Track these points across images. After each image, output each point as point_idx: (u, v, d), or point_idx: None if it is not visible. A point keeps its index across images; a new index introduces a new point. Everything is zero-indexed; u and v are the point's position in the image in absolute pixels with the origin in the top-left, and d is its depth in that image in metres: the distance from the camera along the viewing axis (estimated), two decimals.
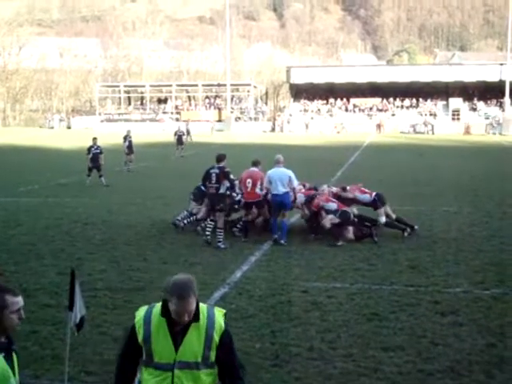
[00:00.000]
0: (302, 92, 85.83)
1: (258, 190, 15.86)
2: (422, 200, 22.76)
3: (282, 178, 15.36)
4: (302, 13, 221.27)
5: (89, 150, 28.17)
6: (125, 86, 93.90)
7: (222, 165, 15.53)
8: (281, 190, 15.34)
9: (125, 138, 34.27)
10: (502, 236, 16.42)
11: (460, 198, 23.20)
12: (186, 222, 16.89)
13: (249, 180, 15.88)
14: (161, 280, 12.08)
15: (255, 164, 16.33)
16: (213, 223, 15.56)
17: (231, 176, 15.82)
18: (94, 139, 28.86)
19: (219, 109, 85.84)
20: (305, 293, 11.30)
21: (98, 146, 28.43)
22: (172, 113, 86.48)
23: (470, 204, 21.89)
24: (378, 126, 76.56)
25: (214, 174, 15.50)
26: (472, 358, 8.43)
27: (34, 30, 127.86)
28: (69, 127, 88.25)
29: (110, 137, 64.21)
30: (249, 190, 15.88)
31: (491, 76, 79.61)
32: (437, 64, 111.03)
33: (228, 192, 15.64)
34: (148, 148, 48.46)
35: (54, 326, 9.47)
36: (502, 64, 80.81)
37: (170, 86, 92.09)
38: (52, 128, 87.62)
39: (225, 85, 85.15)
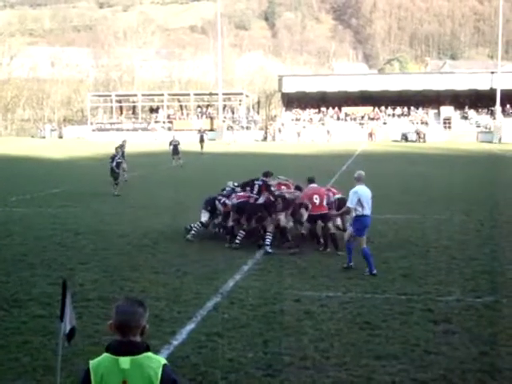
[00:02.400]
0: (293, 101, 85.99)
1: (325, 204, 16.10)
2: (413, 208, 22.79)
3: (369, 198, 13.64)
4: (294, 22, 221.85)
5: (112, 158, 27.94)
6: (116, 96, 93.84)
7: (266, 179, 17.04)
8: (368, 211, 13.63)
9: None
10: (494, 244, 16.46)
11: (452, 206, 23.24)
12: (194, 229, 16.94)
13: (316, 196, 16.02)
14: (153, 289, 12.06)
15: (313, 181, 16.64)
16: (244, 232, 16.15)
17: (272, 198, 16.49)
18: (117, 148, 28.77)
19: (211, 118, 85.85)
20: (297, 302, 11.29)
21: (120, 156, 28.31)
22: (164, 122, 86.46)
23: (462, 212, 21.93)
24: (370, 135, 76.79)
25: (257, 185, 16.91)
26: (465, 366, 8.44)
27: (26, 40, 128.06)
28: (60, 137, 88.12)
29: (102, 146, 64.20)
30: (317, 204, 15.93)
31: (482, 84, 79.91)
32: (428, 72, 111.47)
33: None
34: (140, 157, 48.39)
35: (45, 336, 9.43)
36: (492, 72, 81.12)
37: (162, 95, 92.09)
38: (44, 138, 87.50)
39: (217, 94, 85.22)
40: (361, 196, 13.43)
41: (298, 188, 17.85)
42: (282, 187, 17.68)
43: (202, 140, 58.60)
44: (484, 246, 16.12)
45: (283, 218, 16.23)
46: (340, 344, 9.20)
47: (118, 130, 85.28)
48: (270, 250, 15.50)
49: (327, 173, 35.63)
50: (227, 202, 16.97)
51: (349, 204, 13.61)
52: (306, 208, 16.19)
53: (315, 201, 15.97)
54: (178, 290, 12.04)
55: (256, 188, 16.88)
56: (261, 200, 16.40)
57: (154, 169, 40.73)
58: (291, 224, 16.85)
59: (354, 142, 72.25)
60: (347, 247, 13.85)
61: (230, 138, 73.96)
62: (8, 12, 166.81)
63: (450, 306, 11.08)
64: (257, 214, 16.10)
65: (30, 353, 8.85)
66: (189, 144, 54.50)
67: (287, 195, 16.80)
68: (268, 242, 15.68)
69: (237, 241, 16.03)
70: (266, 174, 17.56)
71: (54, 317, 9.37)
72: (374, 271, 13.21)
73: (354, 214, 13.72)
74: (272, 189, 16.86)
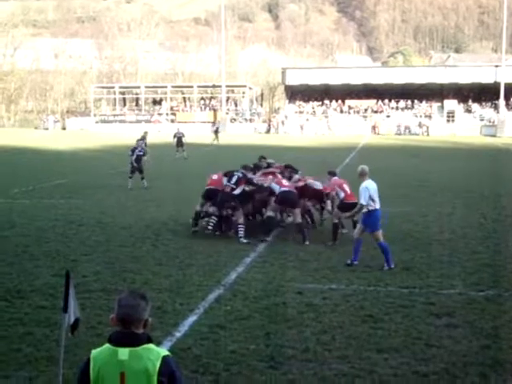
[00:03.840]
0: (297, 93, 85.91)
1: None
2: (416, 201, 22.79)
3: (376, 191, 13.65)
4: (298, 14, 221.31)
5: (132, 151, 27.78)
6: (120, 87, 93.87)
7: (246, 172, 17.02)
8: (379, 204, 13.59)
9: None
10: (496, 237, 16.46)
11: (454, 200, 23.23)
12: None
13: (345, 185, 16.19)
14: (156, 281, 12.08)
15: (335, 174, 16.99)
16: (216, 218, 16.38)
17: (247, 188, 16.61)
18: (138, 140, 28.65)
19: (214, 110, 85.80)
20: (300, 294, 11.29)
21: (142, 148, 28.15)
22: (167, 114, 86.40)
23: (465, 205, 21.93)
24: (373, 128, 76.70)
25: (236, 176, 16.71)
26: (467, 359, 8.43)
27: (29, 31, 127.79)
28: (63, 128, 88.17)
29: (105, 138, 64.24)
30: (349, 193, 15.94)
31: (486, 78, 79.75)
32: (432, 66, 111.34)
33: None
34: None
35: (48, 327, 9.44)
36: (496, 66, 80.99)
37: (165, 87, 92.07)
38: (47, 129, 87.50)
39: (220, 86, 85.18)
40: (370, 191, 13.38)
41: (288, 167, 18.04)
42: (269, 176, 17.35)
43: (217, 131, 59.19)
44: (486, 240, 16.12)
45: (298, 212, 16.18)
46: (342, 337, 9.21)
47: (121, 121, 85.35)
48: (244, 241, 15.69)
49: (330, 166, 35.64)
50: None
51: (362, 201, 13.40)
52: (332, 197, 16.42)
53: (347, 189, 16.02)
54: (180, 282, 12.06)
55: (234, 179, 16.70)
56: (237, 191, 16.41)
57: (158, 161, 40.73)
58: (274, 215, 16.89)
59: (357, 135, 72.27)
60: (357, 244, 13.66)
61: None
62: (11, 3, 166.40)
63: (452, 299, 11.08)
64: (229, 202, 16.21)
65: (33, 344, 8.87)
66: (193, 136, 54.47)
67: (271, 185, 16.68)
68: (241, 233, 15.87)
69: (209, 227, 16.34)
70: (254, 166, 17.82)
71: (57, 308, 9.39)
72: (392, 265, 13.12)
73: (365, 210, 13.55)
74: (254, 181, 16.89)
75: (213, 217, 16.43)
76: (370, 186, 13.46)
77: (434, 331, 9.46)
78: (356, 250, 13.59)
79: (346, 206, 15.54)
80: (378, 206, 13.48)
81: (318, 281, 12.25)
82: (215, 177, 17.42)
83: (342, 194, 15.95)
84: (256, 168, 18.43)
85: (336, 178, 16.69)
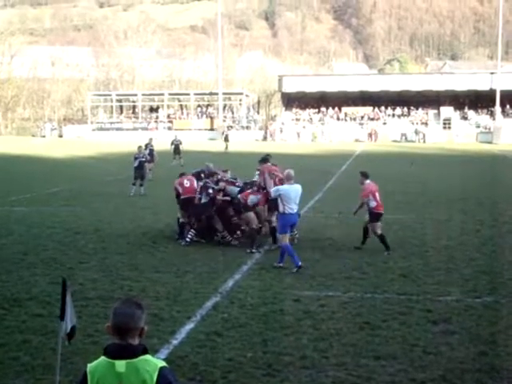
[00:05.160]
0: (293, 101, 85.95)
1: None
2: (413, 208, 22.82)
3: (297, 196, 14.18)
4: (294, 22, 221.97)
5: (135, 158, 27.79)
6: (117, 95, 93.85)
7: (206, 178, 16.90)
8: (295, 208, 14.12)
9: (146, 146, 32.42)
10: (493, 244, 16.49)
11: (451, 206, 23.26)
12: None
13: (377, 193, 15.67)
14: (153, 289, 12.08)
15: (368, 176, 16.08)
16: (194, 231, 16.43)
17: (210, 190, 16.37)
18: (139, 147, 28.64)
19: (211, 118, 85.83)
20: (297, 301, 11.30)
21: (144, 155, 28.17)
22: (164, 122, 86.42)
23: (461, 212, 21.96)
24: (370, 135, 76.80)
25: (199, 186, 16.80)
26: (464, 366, 8.45)
27: (26, 39, 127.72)
28: (60, 136, 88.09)
29: (102, 145, 64.23)
30: (380, 203, 15.62)
31: (482, 85, 79.86)
32: (428, 73, 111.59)
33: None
34: None
35: (45, 335, 9.44)
36: (492, 73, 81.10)
37: (162, 94, 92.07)
38: (44, 137, 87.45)
39: (217, 94, 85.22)
40: (287, 194, 13.90)
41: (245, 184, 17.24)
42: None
43: (226, 139, 59.13)
44: (483, 246, 16.14)
45: (274, 219, 15.80)
46: (339, 344, 9.21)
47: (118, 129, 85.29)
48: (234, 243, 16.14)
49: (326, 173, 35.70)
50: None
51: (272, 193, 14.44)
52: (363, 204, 15.77)
53: (378, 198, 15.61)
54: (177, 290, 12.05)
55: (198, 189, 16.73)
56: (204, 200, 16.34)
57: (155, 168, 40.71)
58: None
59: (354, 143, 72.43)
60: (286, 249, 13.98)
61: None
62: (9, 11, 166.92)
63: (449, 306, 11.10)
64: (204, 214, 16.35)
65: (30, 352, 8.86)
66: (190, 143, 54.44)
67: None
68: (228, 239, 16.19)
69: (187, 239, 16.30)
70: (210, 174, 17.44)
71: (54, 316, 9.39)
72: (300, 263, 13.57)
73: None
74: (211, 186, 16.57)
75: (191, 230, 16.42)
76: (287, 190, 13.98)
77: (432, 338, 9.47)
78: (289, 254, 13.81)
79: (374, 216, 15.45)
80: (293, 210, 14.02)
81: (315, 288, 12.25)
82: (187, 184, 17.23)
83: (374, 204, 15.47)
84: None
85: (369, 181, 15.93)
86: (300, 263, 13.56)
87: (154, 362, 3.98)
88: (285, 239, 13.93)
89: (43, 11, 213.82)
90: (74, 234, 17.92)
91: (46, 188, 28.99)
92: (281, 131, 79.67)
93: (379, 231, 15.48)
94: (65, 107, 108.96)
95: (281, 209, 14.01)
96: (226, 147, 57.61)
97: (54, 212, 22.00)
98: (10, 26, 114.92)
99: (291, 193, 13.98)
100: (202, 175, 17.67)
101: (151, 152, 32.38)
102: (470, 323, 10.15)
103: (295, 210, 14.14)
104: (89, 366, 4.03)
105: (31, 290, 11.97)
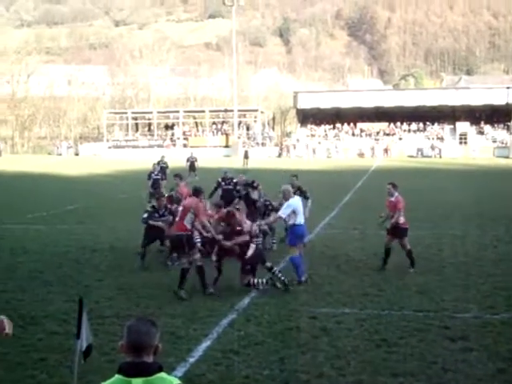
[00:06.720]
0: (308, 117, 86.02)
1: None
2: (429, 223, 22.69)
3: (302, 208, 14.53)
4: (308, 38, 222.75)
5: (149, 175, 27.83)
6: (132, 113, 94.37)
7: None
8: (303, 219, 14.33)
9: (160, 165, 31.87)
10: (510, 260, 16.35)
11: (468, 222, 23.13)
12: None
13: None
14: (169, 307, 12.06)
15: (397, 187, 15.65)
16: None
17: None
18: (154, 165, 28.71)
19: (226, 134, 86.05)
20: (313, 319, 11.24)
21: (159, 172, 28.20)
22: (179, 139, 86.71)
23: (478, 227, 21.82)
24: (385, 151, 76.65)
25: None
26: (483, 383, 8.35)
27: (43, 58, 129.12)
28: (77, 154, 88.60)
29: (118, 163, 64.49)
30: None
31: (498, 99, 79.63)
32: (443, 88, 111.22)
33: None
34: None
35: (61, 353, 9.43)
36: (508, 87, 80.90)
37: (178, 112, 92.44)
38: (60, 155, 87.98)
39: (232, 110, 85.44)
40: (297, 207, 14.09)
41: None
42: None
43: (246, 156, 59.25)
44: (500, 262, 16.02)
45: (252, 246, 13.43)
46: (356, 361, 9.15)
47: (133, 147, 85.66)
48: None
49: (343, 189, 35.62)
50: None
51: (281, 214, 14.08)
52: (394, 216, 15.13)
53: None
54: (193, 307, 12.03)
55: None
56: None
57: (169, 184, 40.80)
58: None
59: (370, 158, 72.38)
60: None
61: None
62: (25, 31, 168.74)
63: (467, 322, 11.00)
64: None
65: (46, 370, 8.86)
66: (205, 160, 54.55)
67: None
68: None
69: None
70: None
71: (70, 334, 9.39)
72: (303, 279, 13.83)
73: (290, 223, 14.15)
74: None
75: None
76: (297, 203, 14.14)
77: (450, 355, 9.38)
78: (296, 265, 13.92)
79: (404, 231, 15.18)
80: (300, 222, 14.12)
81: (332, 305, 12.19)
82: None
83: (403, 220, 15.18)
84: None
85: (398, 194, 15.42)
86: (303, 279, 13.68)
87: (169, 380, 3.98)
88: (294, 251, 14.00)
89: (59, 30, 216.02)
90: (90, 251, 17.98)
91: (62, 206, 29.12)
92: (294, 148, 79.70)
93: (409, 246, 15.25)
94: (81, 125, 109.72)
95: (291, 221, 14.07)
96: (246, 164, 57.63)
97: (69, 230, 22.10)
98: (26, 46, 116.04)
99: (299, 205, 14.27)
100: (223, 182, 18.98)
101: (163, 169, 32.44)
102: (489, 340, 10.05)
103: (303, 222, 14.30)
104: None
105: (47, 308, 11.99)
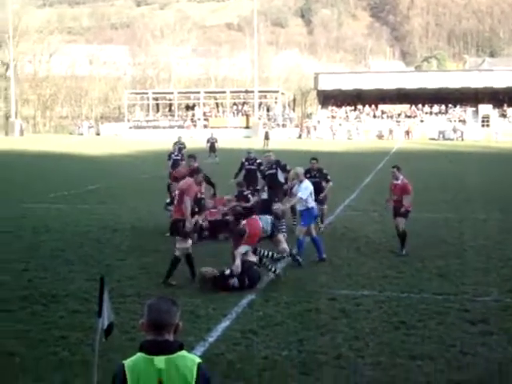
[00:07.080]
0: (329, 98, 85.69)
1: None
2: (450, 207, 22.60)
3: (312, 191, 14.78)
4: (330, 19, 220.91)
5: (169, 156, 27.82)
6: (153, 93, 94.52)
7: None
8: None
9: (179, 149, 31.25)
10: None
11: (489, 205, 22.98)
12: None
13: None
14: (189, 286, 12.13)
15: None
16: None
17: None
18: (174, 145, 28.57)
19: (247, 115, 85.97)
20: (332, 300, 11.26)
21: (179, 153, 28.15)
22: (199, 119, 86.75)
23: (500, 211, 21.68)
24: (407, 133, 76.21)
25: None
26: (502, 367, 8.33)
27: (64, 38, 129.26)
28: (98, 134, 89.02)
29: (139, 143, 64.68)
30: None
31: None
32: (466, 70, 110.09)
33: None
34: None
35: (83, 331, 9.53)
36: None
37: (198, 92, 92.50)
38: (81, 135, 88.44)
39: (252, 91, 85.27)
40: (311, 189, 14.56)
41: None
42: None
43: (266, 137, 59.23)
44: None
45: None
46: (375, 343, 9.16)
47: (154, 127, 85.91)
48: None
49: (364, 171, 35.53)
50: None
51: (302, 195, 14.34)
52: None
53: None
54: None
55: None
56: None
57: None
58: None
59: (389, 140, 72.08)
60: (316, 242, 14.50)
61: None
62: (47, 10, 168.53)
63: (487, 306, 10.96)
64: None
65: (68, 347, 8.96)
66: (225, 141, 54.55)
67: None
68: None
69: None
70: None
71: (91, 312, 9.48)
72: (323, 255, 14.27)
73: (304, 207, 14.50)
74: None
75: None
76: (309, 185, 14.59)
77: (469, 338, 9.36)
78: (299, 246, 14.26)
79: (407, 214, 15.10)
80: (313, 204, 14.57)
81: (351, 287, 12.21)
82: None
83: (409, 202, 15.13)
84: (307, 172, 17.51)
85: (403, 177, 15.44)
86: (300, 260, 13.73)
87: (191, 358, 4.02)
88: (302, 232, 14.38)
89: (81, 10, 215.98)
90: (111, 231, 18.10)
91: (83, 186, 29.29)
92: (315, 129, 79.48)
93: (403, 227, 15.17)
94: (102, 105, 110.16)
95: (310, 204, 14.43)
96: (267, 145, 57.52)
97: (90, 209, 22.24)
98: (48, 25, 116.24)
99: (312, 187, 14.71)
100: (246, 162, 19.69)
101: (180, 150, 32.34)
102: (509, 324, 10.02)
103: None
104: (126, 363, 4.05)
105: (69, 287, 12.10)
